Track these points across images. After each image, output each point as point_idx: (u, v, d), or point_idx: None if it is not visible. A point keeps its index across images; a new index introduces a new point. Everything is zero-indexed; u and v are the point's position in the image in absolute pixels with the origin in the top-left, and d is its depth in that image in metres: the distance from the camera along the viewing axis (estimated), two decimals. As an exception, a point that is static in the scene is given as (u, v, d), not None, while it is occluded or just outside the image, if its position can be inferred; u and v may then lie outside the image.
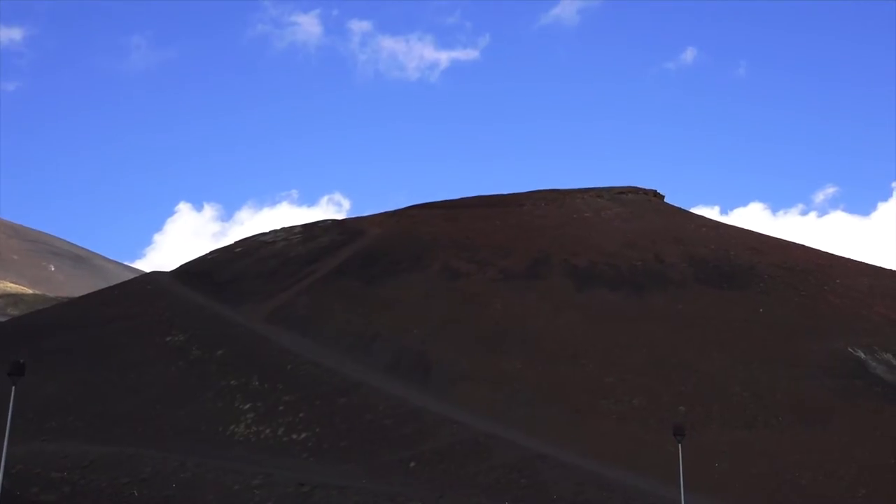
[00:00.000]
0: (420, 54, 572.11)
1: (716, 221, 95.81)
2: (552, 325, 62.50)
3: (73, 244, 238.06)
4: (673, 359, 57.09)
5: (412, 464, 43.41)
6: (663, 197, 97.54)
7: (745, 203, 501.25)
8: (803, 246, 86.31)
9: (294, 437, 48.12)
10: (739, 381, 54.52)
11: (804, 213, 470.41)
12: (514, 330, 61.69)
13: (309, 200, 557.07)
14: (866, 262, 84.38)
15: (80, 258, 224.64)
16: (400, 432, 46.80)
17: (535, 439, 46.33)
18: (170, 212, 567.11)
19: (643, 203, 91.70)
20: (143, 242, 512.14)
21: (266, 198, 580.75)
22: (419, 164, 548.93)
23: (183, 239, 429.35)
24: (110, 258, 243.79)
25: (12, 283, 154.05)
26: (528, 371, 56.20)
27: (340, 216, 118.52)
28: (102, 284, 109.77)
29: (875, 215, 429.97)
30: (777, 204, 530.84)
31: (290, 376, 54.37)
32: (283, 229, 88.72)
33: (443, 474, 41.97)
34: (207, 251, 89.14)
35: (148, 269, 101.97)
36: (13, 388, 32.74)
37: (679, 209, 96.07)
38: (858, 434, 48.67)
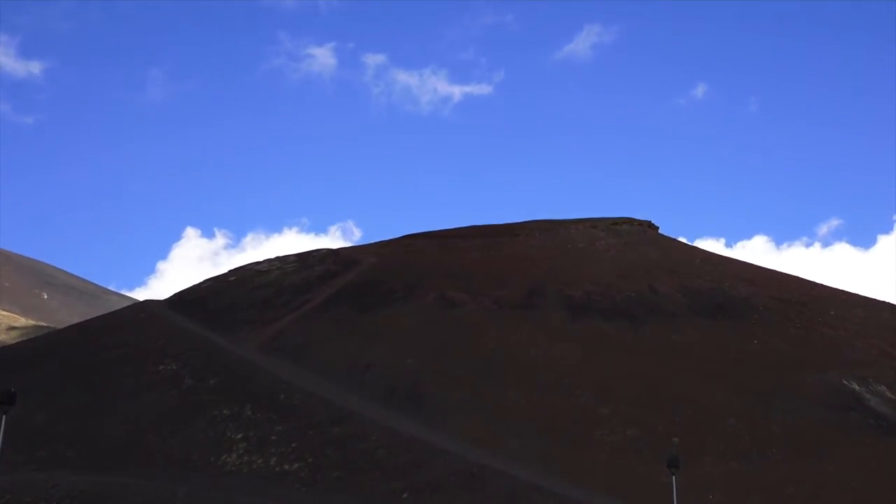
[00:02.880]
0: (433, 88, 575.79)
1: (710, 253, 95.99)
2: (547, 355, 62.36)
3: (67, 272, 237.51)
4: (667, 390, 56.95)
5: (405, 494, 43.07)
6: (658, 228, 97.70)
7: (749, 236, 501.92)
8: (798, 278, 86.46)
9: (286, 467, 47.77)
10: (734, 412, 54.37)
11: (808, 245, 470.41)
12: (509, 360, 61.52)
13: (318, 229, 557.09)
14: (861, 293, 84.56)
15: (73, 286, 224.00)
16: (393, 463, 46.49)
17: (530, 470, 46.06)
18: (176, 237, 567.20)
19: (637, 234, 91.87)
20: (146, 270, 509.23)
21: (275, 225, 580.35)
22: (428, 196, 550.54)
23: (187, 267, 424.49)
24: (104, 286, 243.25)
25: (4, 310, 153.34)
26: (523, 401, 55.98)
27: (349, 245, 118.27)
28: (96, 313, 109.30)
29: (876, 248, 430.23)
30: (781, 237, 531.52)
31: (283, 406, 54.07)
32: (278, 258, 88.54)
33: (436, 505, 41.62)
34: (202, 279, 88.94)
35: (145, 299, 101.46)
36: (3, 417, 32.50)
37: (673, 240, 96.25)
38: (853, 466, 48.45)
